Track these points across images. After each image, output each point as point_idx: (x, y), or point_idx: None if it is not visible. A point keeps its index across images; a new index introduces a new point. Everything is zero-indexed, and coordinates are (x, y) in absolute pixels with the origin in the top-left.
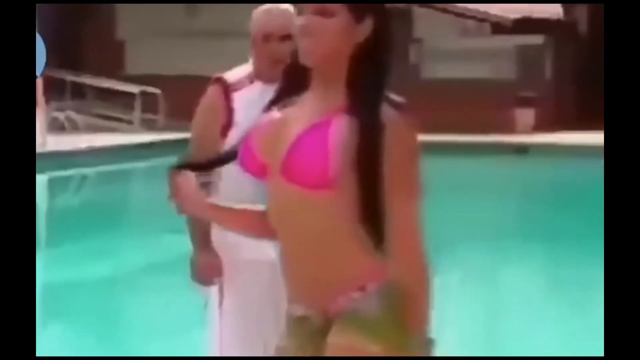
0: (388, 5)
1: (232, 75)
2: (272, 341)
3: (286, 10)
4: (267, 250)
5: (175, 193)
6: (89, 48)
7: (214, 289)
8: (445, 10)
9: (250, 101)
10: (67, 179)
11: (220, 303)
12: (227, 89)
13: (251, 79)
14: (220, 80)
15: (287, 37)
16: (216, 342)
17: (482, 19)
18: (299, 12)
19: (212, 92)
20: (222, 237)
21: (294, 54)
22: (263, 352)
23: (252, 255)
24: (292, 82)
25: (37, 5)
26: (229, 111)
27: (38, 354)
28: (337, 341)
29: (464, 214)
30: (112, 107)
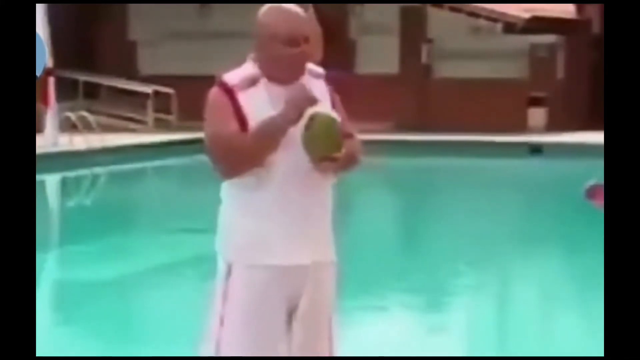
0: None
1: (233, 77)
2: (276, 345)
3: (301, 12)
4: (275, 254)
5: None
6: (102, 48)
7: (217, 295)
8: (457, 10)
9: (261, 100)
10: (80, 178)
11: (223, 311)
12: (232, 90)
13: (255, 79)
14: (223, 84)
15: (305, 39)
16: (212, 347)
17: (494, 18)
18: None
19: (216, 94)
20: (238, 239)
21: None
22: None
23: (262, 260)
24: None
25: (50, 6)
26: (238, 109)
27: (55, 352)
28: None
29: (479, 214)
30: (125, 107)
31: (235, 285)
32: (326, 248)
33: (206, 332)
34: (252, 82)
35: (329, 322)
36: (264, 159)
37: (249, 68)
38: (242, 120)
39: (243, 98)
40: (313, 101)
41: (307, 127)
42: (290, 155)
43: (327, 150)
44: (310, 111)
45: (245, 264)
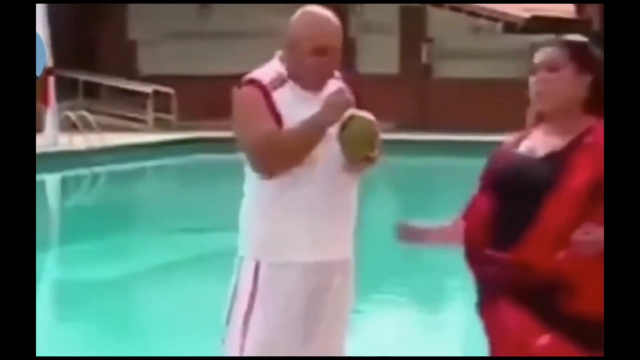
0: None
1: (263, 76)
2: (300, 342)
3: (334, 21)
4: (307, 251)
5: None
6: (102, 48)
7: (242, 292)
8: (457, 10)
9: (289, 101)
10: (80, 178)
11: (250, 309)
12: (265, 88)
13: (282, 80)
14: (255, 82)
15: (333, 49)
16: (237, 344)
17: (494, 18)
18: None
19: (249, 92)
20: (269, 237)
21: None
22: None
23: (293, 257)
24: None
25: (50, 6)
26: (273, 107)
27: (55, 352)
28: None
29: None
30: (125, 106)
31: (265, 283)
32: (349, 245)
33: (228, 330)
34: (281, 82)
35: (345, 322)
36: (304, 157)
37: (277, 67)
38: (277, 118)
39: (275, 97)
40: (352, 104)
41: (345, 127)
42: (327, 153)
43: (365, 150)
44: (348, 112)
45: (275, 261)
